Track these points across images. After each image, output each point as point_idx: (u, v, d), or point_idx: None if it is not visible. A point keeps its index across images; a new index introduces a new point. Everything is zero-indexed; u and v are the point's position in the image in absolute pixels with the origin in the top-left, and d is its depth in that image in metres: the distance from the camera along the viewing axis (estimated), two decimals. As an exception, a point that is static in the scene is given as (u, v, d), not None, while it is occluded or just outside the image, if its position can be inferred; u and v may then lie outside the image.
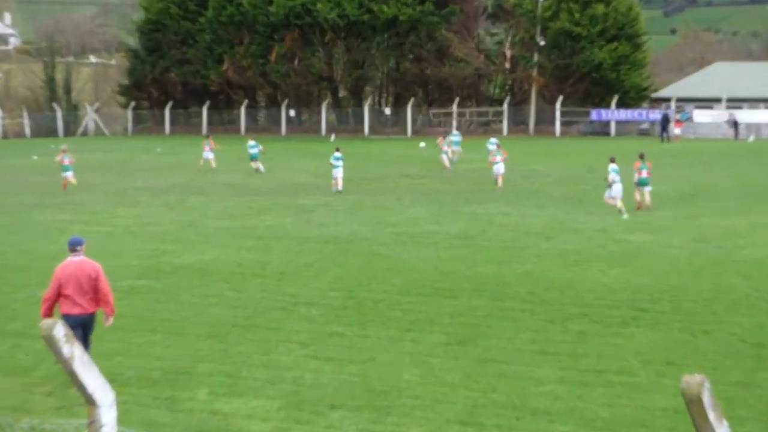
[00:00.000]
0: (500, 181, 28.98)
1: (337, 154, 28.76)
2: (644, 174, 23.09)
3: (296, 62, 68.45)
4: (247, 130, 68.56)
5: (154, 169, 38.49)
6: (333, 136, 55.32)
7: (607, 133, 59.31)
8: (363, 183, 31.84)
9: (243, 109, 69.41)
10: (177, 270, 15.40)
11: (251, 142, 36.57)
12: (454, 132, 43.77)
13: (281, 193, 28.72)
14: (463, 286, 13.76)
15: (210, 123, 70.36)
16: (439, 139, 37.77)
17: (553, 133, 61.08)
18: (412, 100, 65.93)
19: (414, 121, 65.44)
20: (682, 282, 13.86)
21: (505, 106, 62.75)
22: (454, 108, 64.24)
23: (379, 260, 16.03)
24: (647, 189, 23.12)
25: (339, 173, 28.36)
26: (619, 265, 15.37)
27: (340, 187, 28.11)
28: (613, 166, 22.56)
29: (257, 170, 35.55)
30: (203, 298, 13.25)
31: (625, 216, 21.53)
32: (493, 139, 37.64)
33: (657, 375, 9.31)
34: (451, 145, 37.54)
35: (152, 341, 10.99)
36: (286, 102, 68.86)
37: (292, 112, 68.23)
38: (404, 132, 64.49)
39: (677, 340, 10.63)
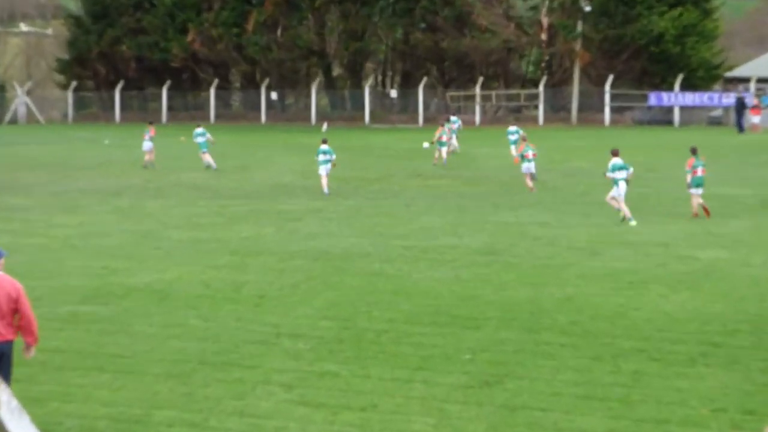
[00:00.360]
0: (531, 182, 29.36)
1: (325, 147, 29.08)
2: (699, 173, 23.33)
3: (279, 32, 68.78)
4: (218, 117, 69.02)
5: (101, 166, 38.70)
6: (325, 126, 55.46)
7: (669, 122, 59.46)
8: (363, 184, 31.96)
9: (213, 92, 69.79)
10: (130, 293, 15.50)
11: (198, 129, 37.00)
12: (453, 118, 44.28)
13: (260, 196, 28.85)
14: (488, 314, 13.88)
15: (171, 108, 70.76)
16: (437, 132, 38.37)
17: (601, 121, 61.25)
18: (425, 80, 66.20)
19: (426, 106, 65.72)
20: (765, 310, 13.92)
21: (541, 87, 62.94)
22: (477, 90, 64.54)
23: (383, 281, 16.18)
24: (699, 192, 23.39)
25: (325, 171, 28.78)
26: (685, 289, 15.44)
27: (325, 189, 28.56)
28: (616, 161, 22.77)
29: (208, 166, 36.10)
30: (162, 329, 13.30)
31: (633, 222, 21.87)
32: (513, 128, 38.24)
33: (732, 426, 9.37)
34: (451, 134, 38.34)
35: (98, 382, 11.01)
36: (266, 82, 69.15)
37: (274, 95, 68.62)
38: (414, 120, 64.71)
39: (758, 383, 10.68)
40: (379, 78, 75.59)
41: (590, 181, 31.51)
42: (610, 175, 22.52)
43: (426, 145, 37.56)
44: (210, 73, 72.97)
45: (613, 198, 22.60)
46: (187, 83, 74.61)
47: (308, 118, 67.44)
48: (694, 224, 22.34)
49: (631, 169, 22.81)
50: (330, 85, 72.42)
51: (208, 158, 36.41)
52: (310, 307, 14.36)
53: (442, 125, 39.19)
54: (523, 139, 31.34)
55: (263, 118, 68.61)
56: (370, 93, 67.42)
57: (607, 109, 61.19)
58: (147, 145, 37.84)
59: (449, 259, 18.15)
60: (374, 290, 15.45)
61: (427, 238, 20.83)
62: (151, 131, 38.07)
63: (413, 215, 24.53)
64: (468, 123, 62.19)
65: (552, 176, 33.03)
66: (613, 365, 11.42)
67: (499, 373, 11.12)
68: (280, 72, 70.46)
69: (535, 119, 62.96)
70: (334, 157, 29.16)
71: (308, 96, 69.30)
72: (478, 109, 64.21)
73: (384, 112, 67.74)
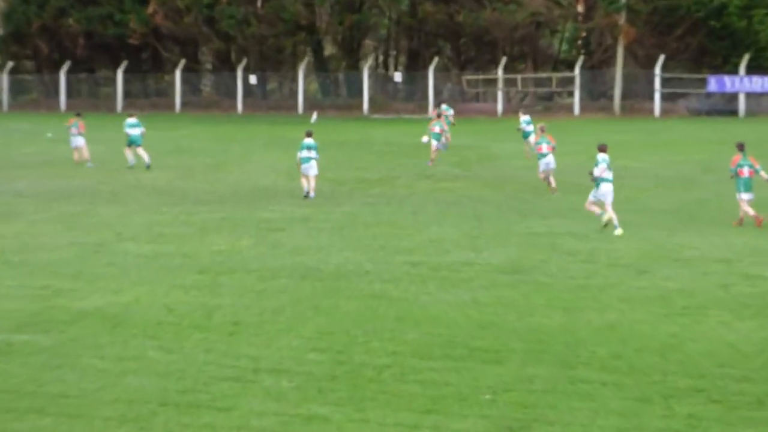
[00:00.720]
0: (553, 181, 29.82)
1: (309, 142, 29.15)
2: (746, 173, 23.67)
3: (259, 2, 68.84)
4: (186, 105, 69.12)
5: (43, 164, 38.64)
6: (315, 116, 55.35)
7: (732, 112, 59.45)
8: (360, 186, 32.04)
9: (178, 75, 69.88)
10: (77, 319, 15.40)
11: (131, 120, 37.12)
12: (444, 106, 45.05)
13: (236, 201, 28.89)
14: (513, 345, 13.90)
15: (128, 94, 70.86)
16: (431, 122, 38.82)
17: (651, 111, 61.28)
18: (436, 60, 66.32)
19: (438, 92, 65.78)
20: None
21: (577, 70, 63.01)
22: (500, 73, 64.63)
23: (385, 305, 16.16)
24: (748, 197, 23.72)
25: (311, 170, 28.93)
26: (752, 316, 15.38)
27: (311, 192, 28.84)
28: (602, 156, 23.21)
29: (135, 162, 36.46)
30: (116, 362, 13.26)
31: (618, 231, 22.33)
32: (527, 117, 38.93)
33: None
34: (445, 124, 38.96)
35: (38, 427, 10.96)
36: (243, 63, 69.26)
37: (253, 79, 68.68)
38: (423, 109, 64.71)
39: (842, 431, 10.74)
40: (381, 58, 75.75)
41: (636, 184, 31.54)
42: (596, 172, 22.97)
43: (425, 139, 37.83)
44: (175, 52, 73.10)
45: (595, 201, 23.06)
46: (147, 64, 74.75)
47: (294, 106, 67.50)
48: (762, 237, 22.28)
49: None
50: (321, 66, 72.54)
51: (142, 152, 36.49)
52: (297, 337, 14.32)
53: (438, 116, 39.97)
54: (541, 130, 31.52)
55: (240, 106, 68.67)
56: (370, 76, 67.51)
57: (656, 97, 61.24)
58: (76, 141, 37.88)
59: (465, 279, 18.10)
60: (374, 316, 15.44)
61: (438, 252, 20.73)
62: (79, 125, 38.07)
63: (421, 225, 24.45)
64: (489, 113, 62.28)
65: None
66: (664, 408, 11.35)
67: (525, 418, 11.08)
68: (260, 51, 70.60)
69: (569, 108, 63.04)
70: (318, 156, 29.29)
71: (294, 80, 69.41)
72: (500, 96, 64.26)
73: (386, 99, 67.83)
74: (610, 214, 22.75)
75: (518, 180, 32.79)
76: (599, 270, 18.86)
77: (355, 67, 70.96)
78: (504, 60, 64.96)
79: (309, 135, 29.38)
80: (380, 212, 26.64)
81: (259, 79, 69.29)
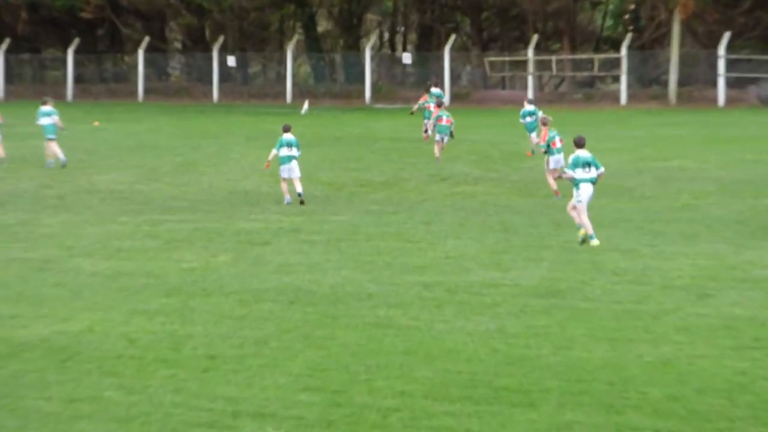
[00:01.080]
0: (555, 181, 30.25)
1: (289, 138, 29.56)
2: None
3: (240, -32, 68.76)
4: (150, 92, 69.04)
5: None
6: (306, 106, 55.54)
7: (812, 102, 59.38)
8: (362, 190, 32.18)
9: (141, 55, 69.89)
10: (18, 351, 15.36)
11: (45, 108, 37.20)
12: (435, 90, 45.97)
13: (211, 208, 29.00)
14: (547, 384, 13.82)
15: (80, 79, 70.84)
16: (422, 98, 40.22)
17: (713, 100, 61.25)
18: (453, 38, 66.32)
19: (455, 75, 65.77)
20: None
21: (624, 51, 63.00)
22: (530, 54, 64.60)
23: (391, 336, 16.13)
24: None
25: (294, 172, 29.27)
26: (841, 349, 15.44)
27: (299, 189, 29.26)
28: (580, 154, 23.48)
29: (55, 160, 36.81)
30: (66, 405, 13.14)
31: (595, 242, 22.89)
32: (531, 106, 40.20)
33: None
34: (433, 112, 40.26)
35: (-29, 485, 10.92)
36: (220, 42, 69.26)
37: (231, 61, 68.70)
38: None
39: None
40: (386, 36, 75.69)
41: (695, 189, 31.49)
42: (569, 173, 23.35)
43: (419, 116, 38.58)
44: (137, 28, 73.17)
45: (577, 206, 23.31)
46: (103, 43, 74.74)
47: (282, 94, 67.50)
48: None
49: (602, 169, 23.67)
50: (314, 46, 72.57)
51: (54, 148, 36.64)
52: (284, 374, 14.26)
53: (440, 105, 41.10)
54: (543, 124, 31.95)
55: (215, 94, 68.67)
56: (373, 58, 67.54)
57: (720, 83, 61.21)
58: None
59: (489, 304, 18.03)
60: (378, 349, 15.40)
61: (456, 271, 20.64)
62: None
63: (436, 238, 24.39)
64: (516, 101, 62.09)
65: (641, 180, 33.08)
66: (732, 462, 11.27)
67: (563, 474, 11.03)
68: (240, 27, 70.62)
69: (614, 96, 62.99)
70: (299, 154, 29.67)
71: (282, 62, 69.39)
72: (530, 81, 64.22)
73: (393, 85, 67.81)
74: (584, 225, 23.06)
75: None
76: (651, 293, 18.76)
77: (355, 46, 70.97)
78: (535, 38, 64.94)
79: (287, 130, 29.73)
80: (386, 222, 26.64)
81: (238, 62, 69.32)
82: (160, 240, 24.37)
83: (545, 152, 30.74)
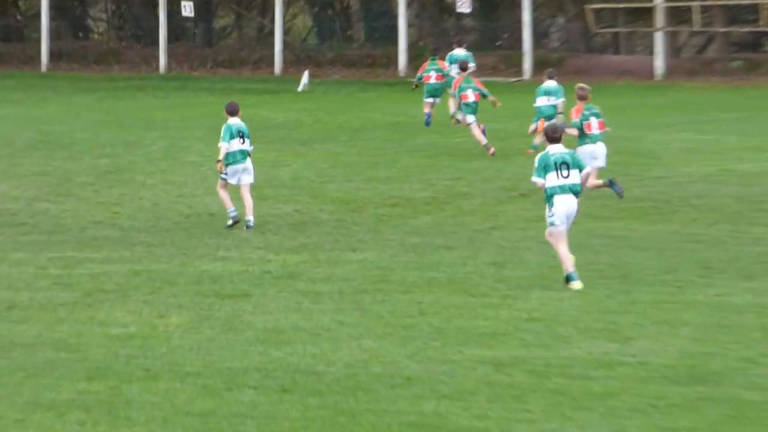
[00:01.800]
0: (592, 180, 26.47)
1: (239, 125, 25.67)
2: None
3: None
4: (59, 57, 64.76)
5: None
6: (306, 79, 50.26)
7: None
8: (395, 213, 28.11)
9: (46, 4, 63.42)
10: None
11: None
12: (457, 51, 42.64)
13: (157, 240, 25.26)
14: None
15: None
16: (455, 81, 37.12)
17: None
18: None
19: (540, 33, 59.52)
20: None
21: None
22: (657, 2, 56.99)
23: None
24: None
25: (246, 175, 25.72)
26: None
27: (249, 216, 25.68)
28: (552, 151, 20.36)
29: None
30: None
31: (576, 284, 20.19)
32: (552, 83, 35.03)
33: None
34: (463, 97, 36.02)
35: None
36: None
37: (188, 9, 61.72)
38: (510, 64, 57.33)
39: None
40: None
41: None
42: (537, 180, 20.47)
43: (461, 117, 35.49)
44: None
45: (551, 234, 20.47)
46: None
47: (266, 60, 61.73)
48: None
49: (588, 168, 21.99)
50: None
51: None
52: None
53: (464, 68, 37.02)
54: (580, 97, 28.10)
55: (162, 60, 62.58)
56: (411, 5, 60.99)
57: None
58: None
59: (600, 394, 14.87)
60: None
61: (545, 343, 17.15)
62: None
63: (513, 288, 20.38)
64: (637, 72, 55.03)
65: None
66: None
67: None
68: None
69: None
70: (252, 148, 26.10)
71: (266, 13, 63.25)
72: (659, 40, 56.64)
73: (443, 47, 60.30)
74: (561, 258, 20.37)
75: (695, 202, 28.29)
76: None
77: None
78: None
79: (235, 112, 25.71)
80: (433, 263, 22.33)
81: (198, 10, 62.68)
82: (77, 291, 20.43)
83: (579, 136, 27.41)
